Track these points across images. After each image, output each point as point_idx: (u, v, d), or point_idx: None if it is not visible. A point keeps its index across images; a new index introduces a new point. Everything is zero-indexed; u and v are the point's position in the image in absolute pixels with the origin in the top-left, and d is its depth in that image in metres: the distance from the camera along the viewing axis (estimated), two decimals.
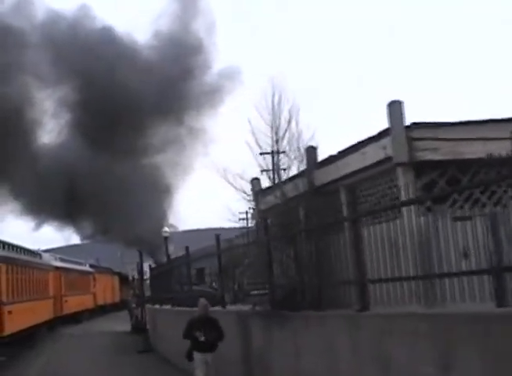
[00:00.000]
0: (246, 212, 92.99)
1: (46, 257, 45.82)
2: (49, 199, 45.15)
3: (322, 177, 12.48)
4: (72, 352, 30.84)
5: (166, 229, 41.98)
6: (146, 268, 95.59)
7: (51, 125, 49.32)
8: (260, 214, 15.04)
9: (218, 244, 16.26)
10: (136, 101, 43.55)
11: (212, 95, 48.07)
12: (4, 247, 33.94)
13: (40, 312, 39.58)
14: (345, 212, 12.11)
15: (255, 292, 21.91)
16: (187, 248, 19.97)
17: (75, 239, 64.84)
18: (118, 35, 46.98)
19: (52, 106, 47.60)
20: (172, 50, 47.12)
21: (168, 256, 22.64)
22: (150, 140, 49.00)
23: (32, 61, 43.53)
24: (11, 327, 31.08)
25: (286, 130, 12.70)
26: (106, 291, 66.07)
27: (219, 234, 16.31)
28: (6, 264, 31.81)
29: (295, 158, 12.69)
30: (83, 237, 54.50)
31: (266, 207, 14.43)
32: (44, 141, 48.79)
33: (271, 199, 13.31)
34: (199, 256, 19.64)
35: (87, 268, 60.82)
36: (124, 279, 74.80)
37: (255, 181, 14.93)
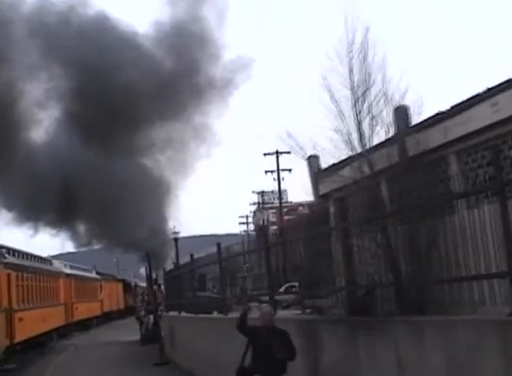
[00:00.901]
0: (247, 216, 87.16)
1: (56, 264, 41.72)
2: (43, 202, 39.67)
3: (420, 143, 8.69)
4: (82, 364, 25.82)
5: (176, 230, 36.92)
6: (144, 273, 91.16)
7: (42, 121, 42.74)
8: (319, 199, 11.22)
9: (266, 237, 12.30)
10: (136, 95, 37.66)
11: (221, 90, 41.87)
12: (14, 255, 30.18)
13: (51, 318, 35.83)
14: (456, 186, 8.40)
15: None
16: (219, 245, 15.76)
17: (69, 246, 59.39)
18: (116, 23, 40.97)
19: (42, 100, 41.43)
20: (177, 39, 40.91)
21: (191, 256, 18.44)
22: (151, 138, 42.92)
23: (19, 50, 37.41)
24: (22, 334, 27.94)
25: (367, 88, 8.91)
26: (111, 297, 61.46)
27: (266, 225, 12.56)
28: (17, 271, 28.64)
29: (379, 122, 8.86)
30: (79, 245, 49.01)
31: (330, 190, 10.59)
32: (34, 139, 42.30)
33: (339, 177, 9.45)
34: (237, 253, 15.44)
35: (94, 275, 56.48)
36: (127, 285, 70.68)
37: (313, 159, 11.01)
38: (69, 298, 41.63)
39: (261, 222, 74.92)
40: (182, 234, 47.81)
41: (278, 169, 53.08)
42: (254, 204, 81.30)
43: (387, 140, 8.86)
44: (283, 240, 11.90)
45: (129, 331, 39.60)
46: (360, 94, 8.88)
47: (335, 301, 10.30)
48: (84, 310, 46.72)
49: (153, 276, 45.01)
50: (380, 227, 8.58)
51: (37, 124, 41.25)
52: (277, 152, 53.55)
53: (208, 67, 41.28)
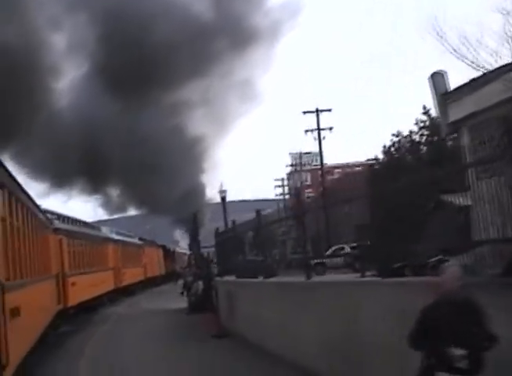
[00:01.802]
0: (283, 179, 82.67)
1: (103, 229, 39.56)
2: (71, 167, 35.54)
3: None
4: (132, 335, 22.16)
5: (222, 188, 32.42)
6: (178, 237, 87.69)
7: (67, 75, 36.84)
8: (449, 126, 8.60)
9: (375, 176, 9.76)
10: (170, 46, 32.60)
11: (264, 41, 36.26)
12: (64, 220, 28.31)
13: (102, 283, 34.35)
14: None
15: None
16: (298, 194, 13.11)
17: (102, 214, 55.48)
18: None
19: (68, 51, 35.61)
20: None
21: (257, 213, 15.65)
22: (187, 93, 37.56)
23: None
24: (75, 298, 26.45)
25: None
26: (153, 263, 59.37)
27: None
28: (68, 237, 26.87)
29: None
30: (112, 211, 44.58)
31: (467, 114, 8.00)
32: (59, 96, 36.34)
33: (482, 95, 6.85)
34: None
35: (137, 241, 54.21)
36: (166, 251, 68.39)
37: (438, 76, 8.33)
38: (117, 263, 39.71)
39: (299, 184, 70.20)
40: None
41: (318, 128, 49.25)
42: (291, 165, 75.76)
43: None
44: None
45: (173, 298, 36.51)
46: None
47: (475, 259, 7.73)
48: (131, 275, 44.95)
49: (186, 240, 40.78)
50: None
51: (62, 77, 36.01)
52: (317, 110, 49.76)
53: (250, 16, 35.92)
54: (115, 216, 55.61)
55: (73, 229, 29.21)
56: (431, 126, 40.00)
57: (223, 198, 31.75)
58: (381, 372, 8.30)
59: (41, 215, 19.66)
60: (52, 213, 26.63)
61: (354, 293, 9.55)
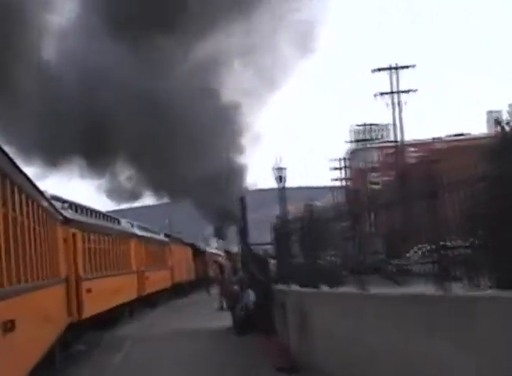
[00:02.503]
0: (340, 160, 70.85)
1: (124, 223, 33.60)
2: (69, 140, 29.03)
3: None
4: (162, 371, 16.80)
5: (280, 165, 25.61)
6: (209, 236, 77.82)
7: (62, 18, 29.83)
8: None
9: None
10: None
11: None
12: (77, 210, 23.70)
13: (123, 290, 29.16)
14: None
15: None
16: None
17: (111, 205, 47.45)
18: None
19: None
20: None
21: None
22: (223, 40, 29.85)
23: None
24: (91, 308, 22.54)
25: None
26: (181, 265, 50.20)
27: None
28: (83, 231, 22.99)
29: None
30: (120, 198, 37.66)
31: None
32: (53, 45, 29.72)
33: None
34: None
35: (163, 237, 46.47)
36: (196, 251, 58.59)
37: None
38: (141, 264, 33.87)
39: (363, 165, 59.44)
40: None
41: (391, 91, 40.20)
42: (352, 142, 62.22)
43: None
44: None
45: (209, 314, 30.10)
46: None
47: None
48: (156, 281, 37.89)
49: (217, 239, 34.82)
50: None
51: (54, 17, 28.50)
52: (391, 67, 40.65)
53: None
54: (122, 207, 47.87)
55: (89, 221, 24.88)
56: None
57: (280, 178, 25.32)
58: None
59: (45, 204, 16.28)
60: (64, 201, 22.28)
61: None
